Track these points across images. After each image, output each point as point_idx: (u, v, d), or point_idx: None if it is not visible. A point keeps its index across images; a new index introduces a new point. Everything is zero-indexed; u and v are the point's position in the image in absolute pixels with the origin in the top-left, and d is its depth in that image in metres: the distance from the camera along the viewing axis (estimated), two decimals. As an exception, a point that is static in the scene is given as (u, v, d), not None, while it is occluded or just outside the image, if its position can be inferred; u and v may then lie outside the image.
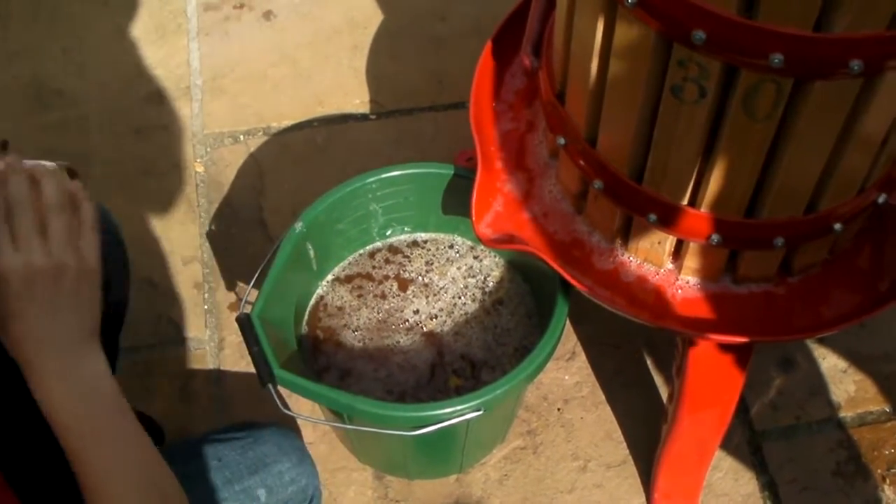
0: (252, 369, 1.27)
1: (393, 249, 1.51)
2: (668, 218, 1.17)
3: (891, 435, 1.55)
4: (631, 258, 1.28)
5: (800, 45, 0.90)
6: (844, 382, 1.60)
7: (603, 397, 1.60)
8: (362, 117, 1.94)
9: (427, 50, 2.04)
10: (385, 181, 1.43)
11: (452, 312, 1.44)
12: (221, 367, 1.64)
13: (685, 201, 1.15)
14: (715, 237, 1.15)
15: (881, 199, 1.19)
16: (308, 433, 1.56)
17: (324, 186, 1.44)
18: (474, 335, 1.42)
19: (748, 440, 1.55)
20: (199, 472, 1.14)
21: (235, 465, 1.16)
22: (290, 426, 1.37)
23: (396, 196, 1.45)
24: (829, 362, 1.62)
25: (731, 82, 0.98)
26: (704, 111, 1.01)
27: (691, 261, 1.24)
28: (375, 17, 2.09)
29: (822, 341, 1.64)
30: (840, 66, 0.91)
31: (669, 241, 1.23)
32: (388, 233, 1.51)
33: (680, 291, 1.26)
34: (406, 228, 1.50)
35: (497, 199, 1.33)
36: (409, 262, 1.49)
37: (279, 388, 1.24)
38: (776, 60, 0.91)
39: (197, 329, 1.68)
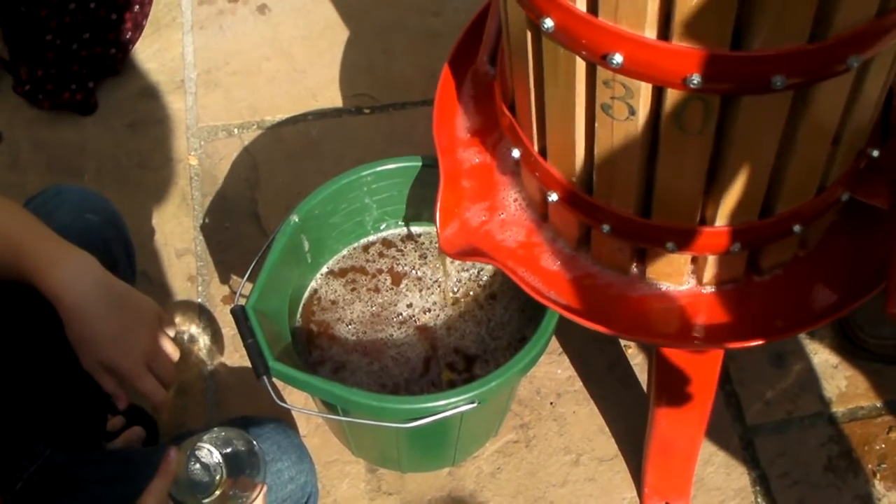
0: (245, 362, 1.27)
1: (387, 243, 1.51)
2: (621, 228, 1.17)
3: (881, 430, 1.56)
4: (595, 265, 1.27)
5: (715, 64, 0.90)
6: (836, 378, 1.61)
7: (596, 392, 1.60)
8: (356, 111, 1.95)
9: (420, 44, 2.04)
10: (380, 174, 1.43)
11: (446, 306, 1.45)
12: (215, 360, 1.64)
13: (634, 211, 1.14)
14: (670, 244, 1.15)
15: (845, 197, 1.18)
16: (301, 426, 1.56)
17: (318, 180, 1.44)
18: (468, 329, 1.43)
19: (740, 435, 1.56)
20: None
21: None
22: (285, 420, 1.37)
23: (391, 189, 1.45)
24: (821, 358, 1.63)
25: (660, 99, 0.98)
26: (637, 128, 1.01)
27: (654, 265, 1.23)
28: (369, 12, 2.10)
29: (812, 337, 1.65)
30: (762, 82, 0.91)
31: (630, 247, 1.22)
32: (382, 226, 1.51)
33: (646, 297, 1.25)
34: (400, 222, 1.51)
35: (462, 209, 1.32)
36: (403, 255, 1.50)
37: (273, 380, 1.25)
38: (695, 81, 0.91)
39: (191, 322, 1.68)
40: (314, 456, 1.26)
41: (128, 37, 1.96)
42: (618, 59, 0.93)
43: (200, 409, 1.59)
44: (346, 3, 2.11)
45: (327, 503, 1.50)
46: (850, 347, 1.62)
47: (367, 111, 1.95)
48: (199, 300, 1.71)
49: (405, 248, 1.51)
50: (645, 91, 0.97)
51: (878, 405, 1.59)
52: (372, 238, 1.51)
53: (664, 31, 0.91)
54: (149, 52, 2.02)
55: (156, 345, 1.12)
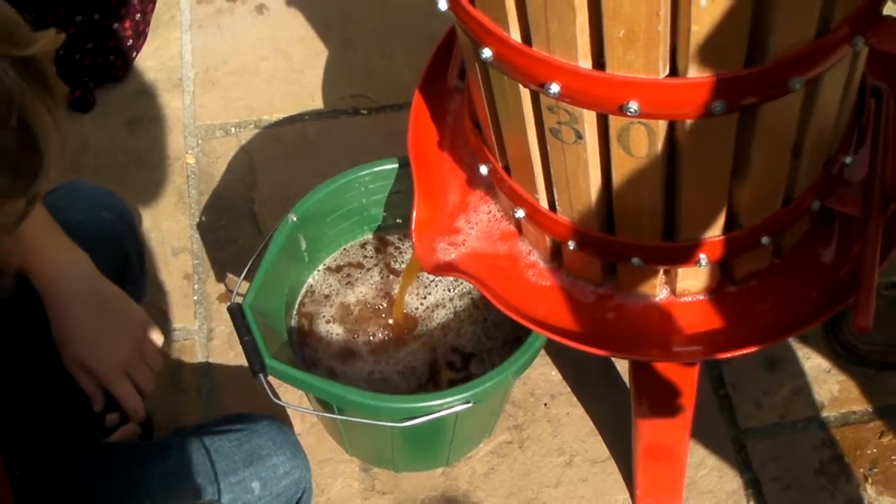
0: (241, 360, 1.28)
1: (384, 242, 1.52)
2: (586, 244, 1.17)
3: (873, 435, 1.57)
4: (569, 278, 1.27)
5: (651, 92, 0.90)
6: (828, 382, 1.62)
7: (590, 393, 1.61)
8: (353, 112, 1.95)
9: (418, 46, 2.04)
10: (377, 174, 1.44)
11: (444, 305, 1.45)
12: (210, 358, 1.64)
13: (598, 228, 1.14)
14: (635, 260, 1.15)
15: (816, 206, 1.17)
16: (296, 424, 1.56)
17: (314, 180, 1.45)
18: (464, 328, 1.43)
19: (732, 438, 1.57)
20: (194, 464, 1.15)
21: (230, 457, 1.17)
22: (280, 417, 1.38)
23: (388, 189, 1.46)
24: (814, 362, 1.64)
25: (605, 125, 0.98)
26: (586, 151, 1.02)
27: (626, 278, 1.23)
28: (366, 13, 2.10)
29: (805, 342, 1.65)
30: (700, 108, 0.91)
31: (600, 261, 1.22)
32: (380, 225, 1.51)
33: (620, 309, 1.25)
34: (398, 221, 1.51)
35: (438, 224, 1.32)
36: (401, 254, 1.50)
37: (269, 378, 1.25)
38: (632, 109, 0.91)
39: (186, 319, 1.68)
40: (308, 454, 1.27)
41: (129, 44, 1.96)
42: (554, 88, 0.93)
43: (195, 406, 1.60)
44: (344, 5, 2.11)
45: (321, 502, 1.51)
46: (841, 353, 1.63)
47: (364, 112, 1.95)
48: (195, 298, 1.71)
49: (402, 246, 1.51)
50: (589, 117, 0.97)
51: (870, 410, 1.59)
52: (369, 237, 1.52)
53: (599, 60, 0.91)
54: (147, 51, 2.02)
55: (137, 353, 1.14)
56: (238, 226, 1.79)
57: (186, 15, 2.10)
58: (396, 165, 1.44)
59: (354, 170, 1.43)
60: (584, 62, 0.91)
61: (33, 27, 0.77)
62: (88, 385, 1.12)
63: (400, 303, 1.45)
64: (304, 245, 1.42)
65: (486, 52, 0.98)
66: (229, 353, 1.65)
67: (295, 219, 1.38)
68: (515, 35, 0.95)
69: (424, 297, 1.46)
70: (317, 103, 1.96)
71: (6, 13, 0.76)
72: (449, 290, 1.46)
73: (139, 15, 1.98)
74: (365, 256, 1.50)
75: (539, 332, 1.22)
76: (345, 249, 1.51)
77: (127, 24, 1.94)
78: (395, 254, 1.50)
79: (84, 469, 1.14)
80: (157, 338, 1.18)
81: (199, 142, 1.90)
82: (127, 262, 1.29)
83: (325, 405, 1.31)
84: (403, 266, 1.49)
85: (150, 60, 2.01)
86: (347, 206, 1.45)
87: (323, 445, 1.55)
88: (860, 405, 1.60)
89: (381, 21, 2.08)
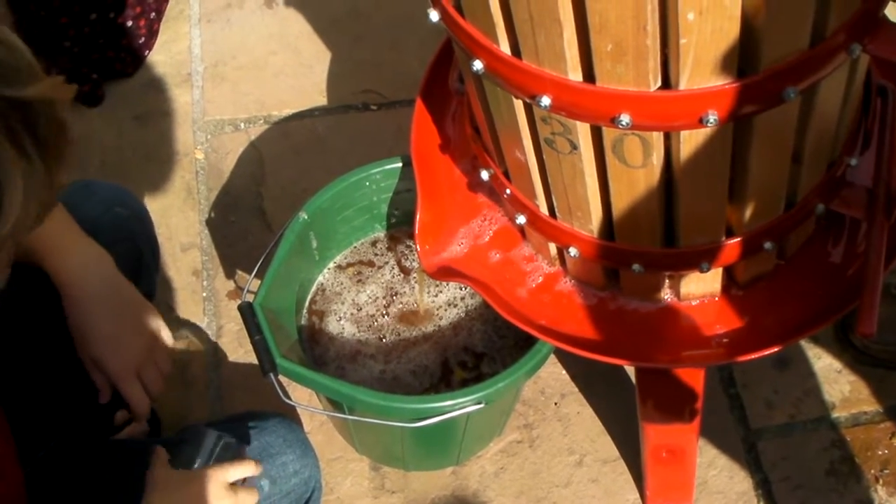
0: (249, 357, 1.27)
1: (395, 239, 1.51)
2: (586, 250, 1.16)
3: (884, 435, 1.56)
4: (573, 282, 1.27)
5: (642, 105, 0.89)
6: (839, 383, 1.61)
7: (600, 392, 1.60)
8: (363, 107, 1.94)
9: (428, 41, 2.03)
10: (389, 172, 1.43)
11: (455, 304, 1.45)
12: (219, 355, 1.64)
13: (597, 234, 1.14)
14: (635, 266, 1.14)
15: (820, 210, 1.15)
16: (305, 423, 1.56)
17: (324, 176, 1.44)
18: (475, 327, 1.43)
19: (743, 438, 1.56)
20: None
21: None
22: (289, 415, 1.37)
23: (399, 186, 1.45)
24: (824, 362, 1.63)
25: (599, 135, 0.98)
26: (581, 160, 1.01)
27: (627, 283, 1.22)
28: (377, 8, 2.09)
29: (816, 342, 1.65)
30: (693, 119, 0.90)
31: (601, 265, 1.21)
32: (391, 223, 1.51)
33: (624, 314, 1.24)
34: (408, 219, 1.50)
35: (442, 228, 1.31)
36: (412, 252, 1.50)
37: (280, 377, 1.25)
38: (623, 121, 0.90)
39: (195, 316, 1.68)
40: (318, 453, 1.27)
41: (141, 42, 1.96)
42: (545, 101, 0.93)
43: (203, 403, 1.59)
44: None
45: (330, 500, 1.50)
46: (853, 353, 1.62)
47: (374, 107, 1.94)
48: (204, 294, 1.70)
49: (413, 243, 1.50)
50: (582, 128, 0.97)
51: (881, 411, 1.59)
52: (380, 234, 1.51)
53: (589, 73, 0.90)
54: (156, 45, 2.02)
55: (149, 355, 1.14)
56: (247, 222, 1.78)
57: (195, 9, 2.09)
58: (406, 164, 1.43)
59: (365, 168, 1.42)
60: (574, 75, 0.91)
61: (45, 64, 0.73)
62: (98, 379, 1.14)
63: (421, 295, 1.45)
64: (314, 243, 1.42)
65: (478, 65, 0.97)
66: (238, 350, 1.64)
67: (305, 216, 1.37)
68: (505, 48, 0.95)
69: (436, 296, 1.45)
70: (326, 98, 1.95)
71: (9, 53, 0.71)
72: (460, 289, 1.45)
73: (154, 14, 1.97)
74: (376, 254, 1.50)
75: (543, 338, 1.22)
76: (355, 247, 1.50)
77: (142, 22, 1.94)
78: (406, 252, 1.50)
79: (94, 466, 1.13)
80: (168, 341, 1.18)
81: (209, 137, 1.89)
82: (141, 259, 1.29)
83: (336, 405, 1.31)
84: (415, 264, 1.48)
85: (159, 55, 2.01)
86: (358, 204, 1.45)
87: (333, 444, 1.55)
88: (871, 405, 1.59)
89: (390, 15, 2.08)
